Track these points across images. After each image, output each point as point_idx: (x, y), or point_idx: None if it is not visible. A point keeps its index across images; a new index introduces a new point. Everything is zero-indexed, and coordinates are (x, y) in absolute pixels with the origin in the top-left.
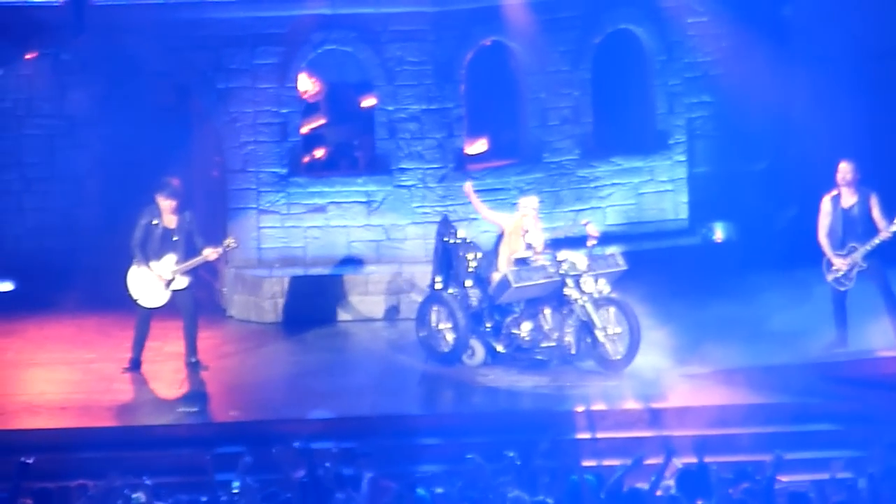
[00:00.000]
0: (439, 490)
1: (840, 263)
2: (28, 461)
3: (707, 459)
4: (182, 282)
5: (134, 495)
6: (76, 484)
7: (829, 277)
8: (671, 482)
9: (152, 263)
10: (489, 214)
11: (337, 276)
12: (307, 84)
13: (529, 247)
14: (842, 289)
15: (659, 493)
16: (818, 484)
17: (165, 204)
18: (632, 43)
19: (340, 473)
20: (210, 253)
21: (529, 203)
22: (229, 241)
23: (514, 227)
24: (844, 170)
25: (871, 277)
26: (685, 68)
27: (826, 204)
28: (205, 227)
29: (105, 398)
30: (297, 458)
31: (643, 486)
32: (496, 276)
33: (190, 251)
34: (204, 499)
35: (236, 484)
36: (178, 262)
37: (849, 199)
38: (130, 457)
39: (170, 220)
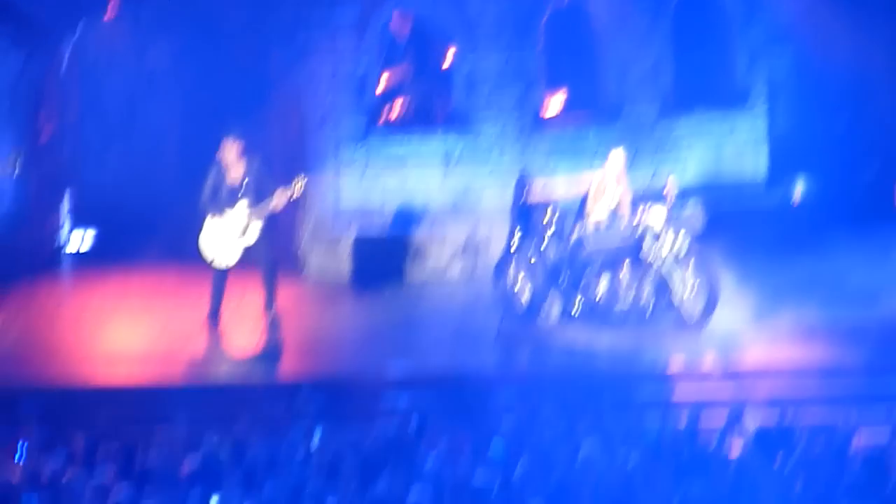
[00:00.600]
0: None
1: None
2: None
3: (785, 418)
4: (256, 231)
5: (212, 447)
6: (157, 434)
7: None
8: (747, 441)
9: (226, 212)
10: (577, 186)
11: (414, 231)
12: (390, 35)
13: (612, 203)
14: None
15: (736, 451)
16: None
17: (232, 149)
18: None
19: (420, 429)
20: (281, 195)
21: (615, 158)
22: (298, 182)
23: (598, 183)
24: None
25: None
26: (766, 23)
27: None
28: (283, 183)
29: (185, 350)
30: (373, 414)
31: (720, 444)
32: (575, 233)
33: (261, 197)
34: (282, 451)
35: (316, 436)
36: (249, 207)
37: None
38: (210, 408)
39: (237, 170)
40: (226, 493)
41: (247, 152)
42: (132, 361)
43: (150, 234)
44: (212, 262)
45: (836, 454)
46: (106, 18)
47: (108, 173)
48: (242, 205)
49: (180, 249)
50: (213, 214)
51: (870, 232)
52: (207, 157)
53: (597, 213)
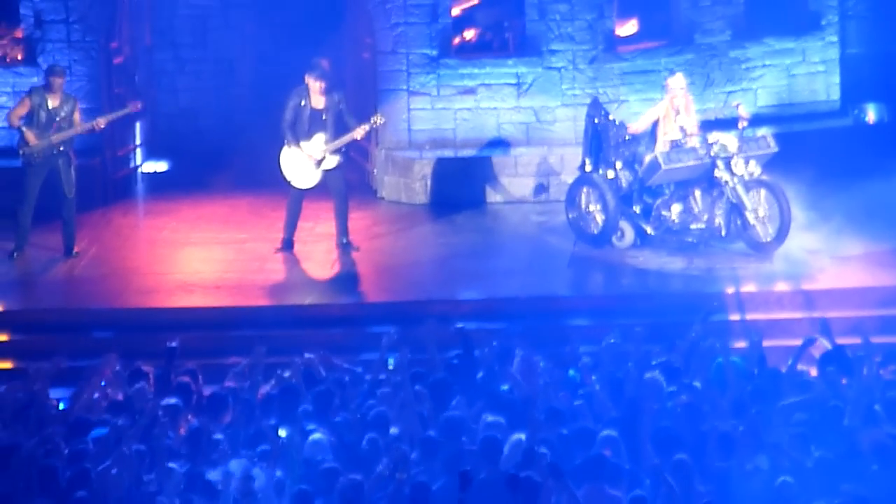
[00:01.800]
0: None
1: None
2: (173, 345)
3: (857, 341)
4: (332, 161)
5: (285, 374)
6: (230, 361)
7: None
8: (819, 363)
9: (303, 144)
10: (643, 121)
11: (486, 158)
12: None
13: (681, 129)
14: None
15: (807, 372)
16: None
17: (315, 85)
18: None
19: (494, 354)
20: (359, 130)
21: (676, 83)
22: (377, 117)
23: (665, 110)
24: None
25: None
26: None
27: None
28: (355, 109)
29: (258, 278)
30: (447, 338)
31: (792, 366)
32: (647, 158)
33: (339, 130)
34: (356, 377)
35: (391, 361)
36: (327, 142)
37: None
38: (282, 335)
39: (318, 101)
40: (299, 420)
41: (328, 88)
42: (206, 288)
43: (222, 163)
44: (291, 182)
45: None
46: None
47: (181, 100)
48: (321, 138)
49: (252, 178)
50: (292, 144)
51: None
52: (278, 84)
53: (668, 138)
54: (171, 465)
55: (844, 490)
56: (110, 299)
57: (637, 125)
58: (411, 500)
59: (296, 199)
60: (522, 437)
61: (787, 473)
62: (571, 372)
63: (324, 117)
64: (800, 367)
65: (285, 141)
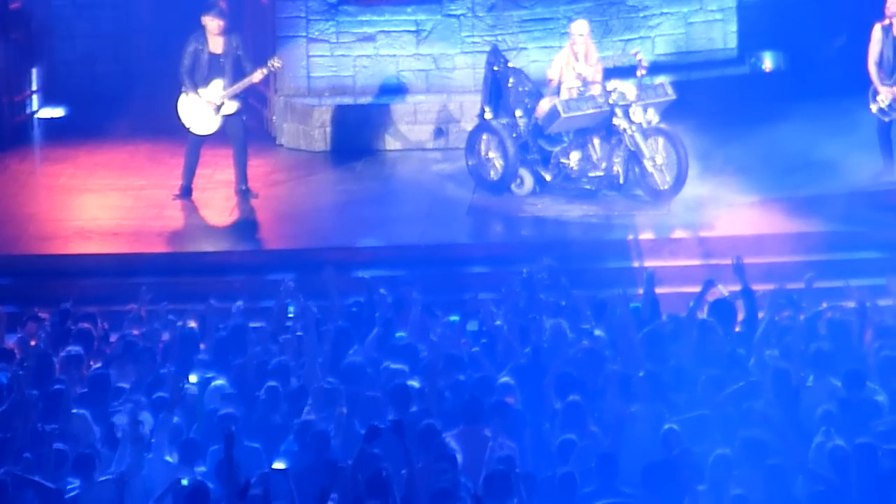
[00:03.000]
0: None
1: (885, 93)
2: (67, 307)
3: (751, 285)
4: (231, 107)
5: (188, 324)
6: (129, 308)
7: (874, 108)
8: (715, 307)
9: (201, 90)
10: (554, 69)
11: (386, 105)
12: None
13: (580, 76)
14: (886, 119)
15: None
16: (862, 311)
17: (212, 25)
18: None
19: (396, 300)
20: (257, 74)
21: (578, 28)
22: (274, 60)
23: (565, 56)
24: (892, 1)
25: None
26: None
27: (877, 32)
28: (253, 56)
29: (156, 224)
30: (346, 285)
31: (690, 310)
32: (547, 106)
33: (237, 76)
34: (252, 324)
35: (292, 309)
36: (226, 87)
37: None
38: (182, 283)
39: (216, 44)
40: (197, 367)
41: (225, 30)
42: (105, 236)
43: (120, 108)
44: (189, 129)
45: (800, 322)
46: None
47: (78, 46)
48: (219, 84)
49: (151, 124)
50: (190, 90)
51: (836, 105)
52: (177, 28)
53: (567, 86)
54: (74, 410)
55: (743, 435)
56: (7, 246)
57: (550, 76)
58: (312, 449)
59: (194, 146)
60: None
61: (686, 420)
62: (470, 320)
63: (222, 62)
64: (698, 314)
65: (183, 87)
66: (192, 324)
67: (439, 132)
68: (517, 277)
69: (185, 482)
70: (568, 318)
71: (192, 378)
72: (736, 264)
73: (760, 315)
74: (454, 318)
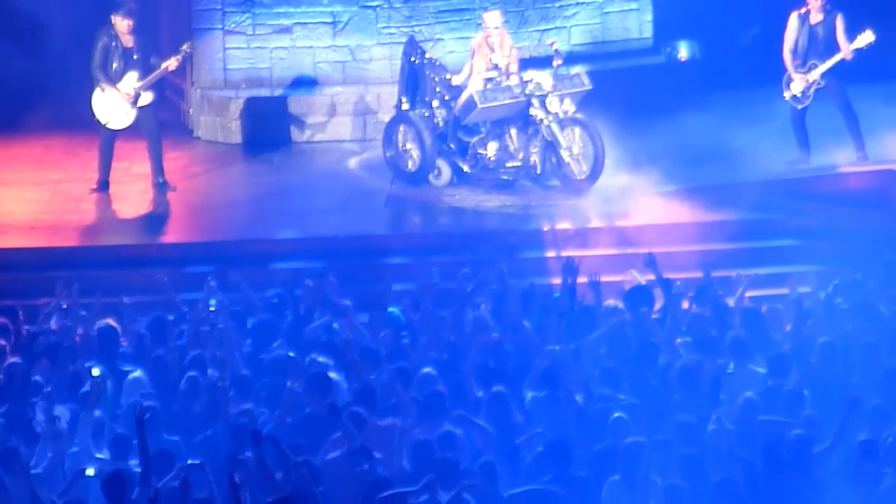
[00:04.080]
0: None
1: (799, 80)
2: None
3: (666, 276)
4: (147, 98)
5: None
6: (43, 302)
7: (787, 95)
8: (630, 296)
9: (116, 84)
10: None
11: (303, 98)
12: None
13: (496, 67)
14: (799, 106)
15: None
16: (777, 299)
17: (122, 24)
18: None
19: (311, 294)
20: (170, 62)
21: (491, 19)
22: (185, 46)
23: (478, 47)
24: None
25: (830, 96)
26: None
27: (793, 20)
28: (169, 49)
29: (73, 218)
30: (264, 280)
31: (604, 299)
32: (463, 96)
33: (148, 68)
34: (172, 319)
35: (213, 302)
36: (139, 79)
37: (816, 16)
38: (99, 276)
39: (127, 40)
40: (115, 362)
41: (137, 29)
42: (21, 229)
43: (36, 103)
44: (105, 124)
45: (715, 310)
46: None
47: None
48: (132, 76)
49: (68, 118)
50: (103, 85)
51: (751, 93)
52: (93, 22)
53: (483, 76)
54: None
55: (675, 420)
56: None
57: (461, 76)
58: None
59: (108, 140)
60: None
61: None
62: (393, 310)
63: (134, 56)
64: (610, 301)
65: (97, 83)
66: (110, 321)
67: (357, 124)
68: (436, 268)
69: (90, 471)
70: (489, 306)
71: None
72: (648, 258)
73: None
74: (393, 309)
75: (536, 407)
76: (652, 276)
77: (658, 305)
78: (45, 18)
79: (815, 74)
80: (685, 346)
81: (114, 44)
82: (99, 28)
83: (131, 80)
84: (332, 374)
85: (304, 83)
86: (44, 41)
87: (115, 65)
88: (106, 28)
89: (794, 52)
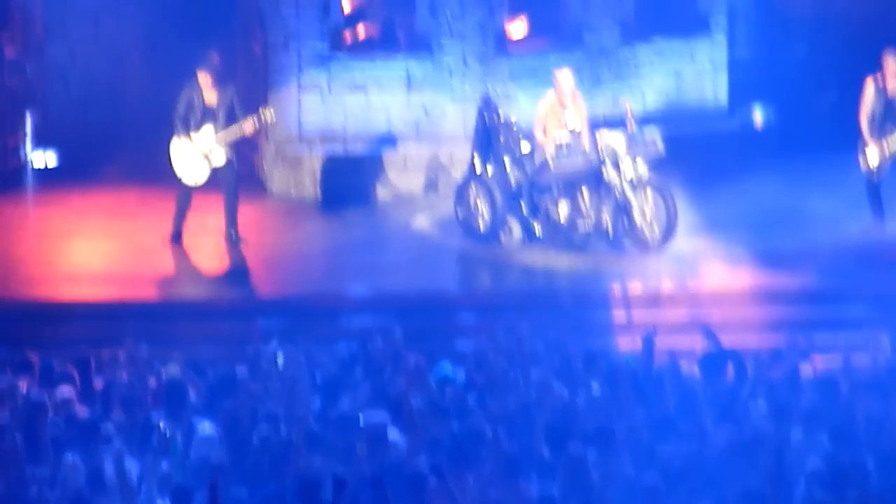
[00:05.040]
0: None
1: (875, 148)
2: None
3: (737, 340)
4: (222, 155)
5: (172, 367)
6: (115, 353)
7: (863, 162)
8: (703, 363)
9: (192, 135)
10: (539, 122)
11: (376, 154)
12: None
13: (569, 127)
14: (875, 174)
15: (692, 373)
16: (848, 365)
17: (204, 79)
18: None
19: (381, 350)
20: (248, 124)
21: (565, 79)
22: (266, 112)
23: (551, 105)
24: (892, 61)
25: None
26: None
27: (869, 87)
28: (246, 103)
29: (146, 270)
30: (336, 335)
31: (677, 366)
32: (536, 156)
33: (229, 124)
34: (244, 372)
35: (281, 357)
36: (217, 135)
37: (893, 84)
38: (171, 328)
39: (210, 95)
40: (184, 415)
41: (220, 82)
42: (95, 280)
43: (112, 154)
44: (180, 178)
45: (789, 378)
46: None
47: (72, 92)
48: (210, 129)
49: (143, 170)
50: (182, 136)
51: (826, 160)
52: (170, 76)
53: (556, 137)
54: (63, 455)
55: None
56: None
57: (537, 131)
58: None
59: (185, 192)
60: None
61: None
62: (457, 370)
63: (215, 110)
64: (682, 365)
65: (175, 131)
66: (183, 369)
67: (430, 181)
68: (503, 326)
69: None
70: (556, 373)
71: (180, 424)
72: (705, 328)
73: (748, 370)
74: (449, 366)
75: (610, 468)
76: (721, 342)
77: (730, 371)
78: (123, 71)
79: (891, 142)
80: (757, 412)
81: (196, 97)
82: (181, 81)
83: (209, 134)
84: (393, 432)
85: (378, 140)
86: (121, 92)
87: (196, 118)
88: (191, 82)
89: (871, 119)
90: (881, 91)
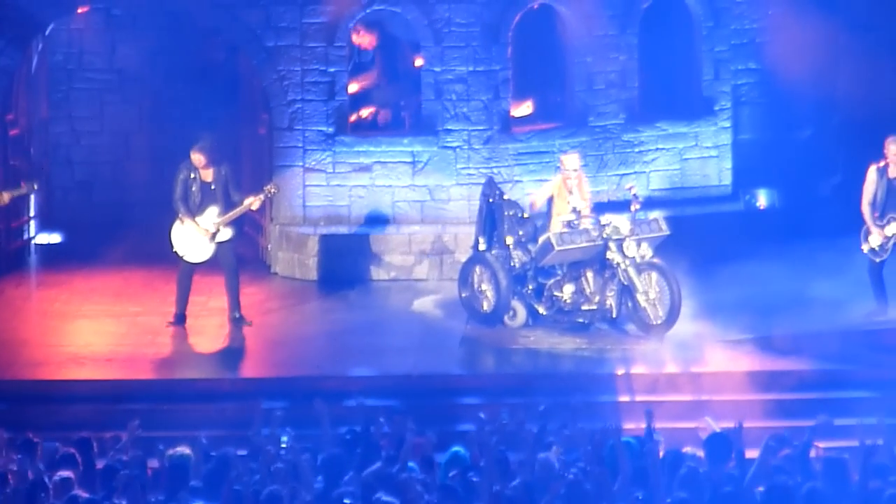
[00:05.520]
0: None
1: (877, 233)
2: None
3: (745, 423)
4: (226, 234)
5: (174, 450)
6: (117, 434)
7: (865, 247)
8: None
9: (197, 218)
10: (540, 195)
11: (381, 236)
12: (358, 40)
13: (574, 209)
14: (878, 259)
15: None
16: (855, 450)
17: (196, 158)
18: (679, 8)
19: (385, 433)
20: (253, 201)
21: (570, 161)
22: (271, 186)
23: (557, 188)
24: (894, 147)
25: None
26: (732, 35)
27: (872, 173)
28: (251, 185)
29: (150, 351)
30: (339, 414)
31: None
32: (540, 239)
33: (229, 203)
34: (246, 453)
35: (285, 438)
36: (220, 214)
37: (895, 170)
38: (174, 409)
39: (206, 174)
40: (186, 497)
41: (213, 161)
42: (98, 361)
43: (116, 235)
44: (182, 256)
45: (796, 462)
46: (76, 16)
47: (77, 173)
48: (213, 211)
49: (146, 251)
50: (186, 217)
51: (829, 243)
52: (175, 158)
53: (561, 218)
54: None
55: None
56: (0, 370)
57: (534, 199)
58: None
59: (186, 273)
60: None
61: None
62: (459, 450)
63: (213, 189)
64: (687, 449)
65: (178, 215)
66: (185, 450)
67: (433, 263)
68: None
69: None
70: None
71: None
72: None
73: (751, 454)
74: (458, 449)
75: None
76: (729, 425)
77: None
78: (127, 152)
79: (893, 228)
80: (761, 496)
81: (193, 176)
82: (180, 162)
83: (212, 215)
84: None
85: (383, 221)
86: (125, 172)
87: (195, 198)
88: (186, 163)
89: (873, 204)
90: (883, 177)
